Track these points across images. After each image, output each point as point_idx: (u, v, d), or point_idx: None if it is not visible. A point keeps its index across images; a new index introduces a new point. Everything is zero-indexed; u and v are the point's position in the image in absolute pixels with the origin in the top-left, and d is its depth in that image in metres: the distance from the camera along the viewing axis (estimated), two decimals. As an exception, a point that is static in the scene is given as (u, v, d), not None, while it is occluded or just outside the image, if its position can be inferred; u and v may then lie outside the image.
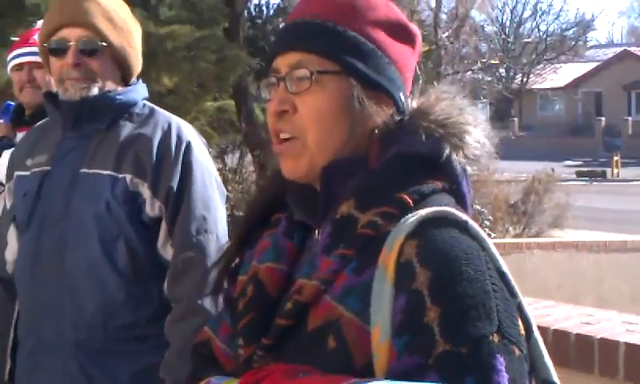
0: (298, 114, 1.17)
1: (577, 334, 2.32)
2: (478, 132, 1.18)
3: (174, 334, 1.99)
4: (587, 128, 37.74)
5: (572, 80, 41.30)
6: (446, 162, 1.15)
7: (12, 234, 2.18)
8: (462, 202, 1.17)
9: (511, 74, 41.10)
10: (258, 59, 16.40)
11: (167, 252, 2.02)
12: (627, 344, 2.21)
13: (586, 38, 39.91)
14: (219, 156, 14.42)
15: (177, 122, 2.08)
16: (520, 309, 1.07)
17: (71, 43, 2.02)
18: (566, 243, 8.60)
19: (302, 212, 1.21)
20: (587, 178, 28.29)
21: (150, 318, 2.03)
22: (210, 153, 2.17)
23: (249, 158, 15.05)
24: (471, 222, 1.08)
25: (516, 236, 13.34)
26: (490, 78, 36.93)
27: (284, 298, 1.15)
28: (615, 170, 28.85)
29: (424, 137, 1.15)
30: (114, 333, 2.01)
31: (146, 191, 1.99)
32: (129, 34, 2.08)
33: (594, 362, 2.25)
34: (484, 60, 35.36)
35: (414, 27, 1.25)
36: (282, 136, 1.19)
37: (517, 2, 37.84)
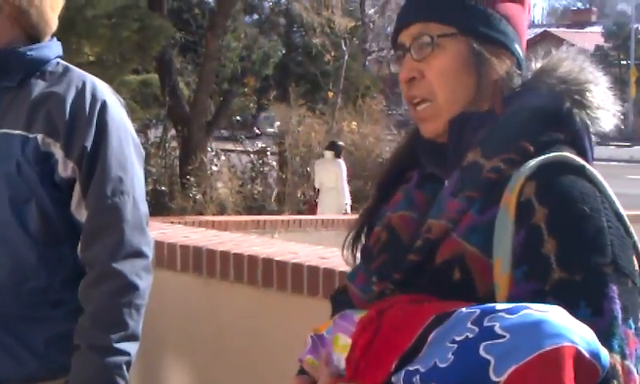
0: (425, 78, 1.30)
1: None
2: (598, 91, 1.28)
3: (88, 298, 1.93)
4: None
5: (495, 60, 41.97)
6: (566, 116, 1.24)
7: None
8: (583, 155, 1.24)
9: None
10: (183, 32, 16.15)
11: (81, 214, 1.95)
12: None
13: (508, 18, 40.63)
14: (142, 130, 14.21)
15: (92, 80, 2.01)
16: (635, 247, 1.17)
17: None
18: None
19: (433, 165, 1.32)
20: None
21: (64, 282, 1.97)
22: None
23: (172, 132, 14.85)
24: (589, 167, 1.18)
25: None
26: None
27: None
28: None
29: (546, 92, 1.26)
30: (27, 297, 1.94)
31: (58, 151, 1.92)
32: None
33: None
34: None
35: None
36: (415, 101, 1.31)
37: (442, -18, 38.25)
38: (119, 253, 1.92)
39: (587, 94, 1.26)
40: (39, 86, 1.97)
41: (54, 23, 2.06)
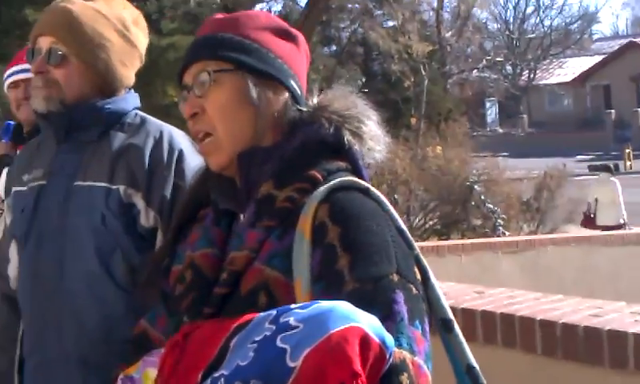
0: (206, 113, 1.39)
1: (585, 327, 2.28)
2: (371, 124, 1.42)
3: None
4: (597, 121, 37.57)
5: (579, 74, 41.12)
6: (346, 146, 1.38)
7: (13, 251, 2.15)
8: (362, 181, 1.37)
9: (517, 70, 40.91)
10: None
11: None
12: (635, 335, 2.17)
13: (590, 30, 39.75)
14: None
15: (169, 130, 2.06)
16: (417, 259, 1.30)
17: (42, 49, 2.01)
18: (580, 238, 8.50)
19: (226, 200, 1.41)
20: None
21: (151, 329, 2.01)
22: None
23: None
24: (372, 189, 1.32)
25: (530, 233, 13.26)
26: (496, 76, 36.81)
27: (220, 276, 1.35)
28: (628, 163, 28.69)
29: (326, 125, 1.38)
30: (117, 347, 1.97)
31: (140, 202, 1.97)
32: (102, 46, 2.04)
33: (603, 354, 2.21)
34: (489, 57, 35.06)
35: (294, 30, 1.50)
36: (200, 136, 1.41)
37: (519, -2, 37.70)
38: None
39: (362, 127, 1.39)
40: (119, 138, 2.03)
41: (126, 78, 2.11)
